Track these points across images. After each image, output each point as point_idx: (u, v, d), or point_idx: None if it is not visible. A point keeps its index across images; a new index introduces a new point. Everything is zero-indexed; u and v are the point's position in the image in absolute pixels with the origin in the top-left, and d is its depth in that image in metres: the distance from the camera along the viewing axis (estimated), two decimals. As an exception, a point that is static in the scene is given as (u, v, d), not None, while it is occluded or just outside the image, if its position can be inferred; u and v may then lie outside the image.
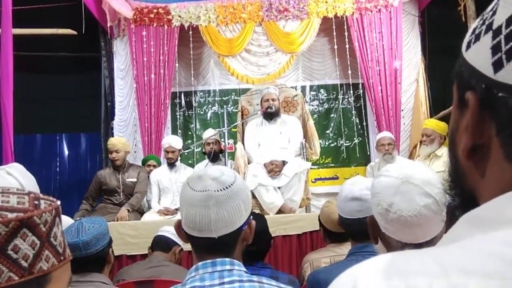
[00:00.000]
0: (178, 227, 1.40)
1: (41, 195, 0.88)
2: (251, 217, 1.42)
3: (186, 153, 7.25)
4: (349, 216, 1.98)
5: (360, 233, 1.93)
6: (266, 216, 3.09)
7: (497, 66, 0.47)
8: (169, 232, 3.18)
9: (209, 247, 1.33)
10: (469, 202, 0.52)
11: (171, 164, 5.58)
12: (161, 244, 3.17)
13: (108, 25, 7.02)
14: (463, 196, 0.55)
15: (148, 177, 5.61)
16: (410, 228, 1.33)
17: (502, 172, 0.49)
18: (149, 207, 5.48)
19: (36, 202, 0.84)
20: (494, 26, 0.48)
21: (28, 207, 0.82)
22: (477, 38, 0.50)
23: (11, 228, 0.79)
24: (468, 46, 0.52)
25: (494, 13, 0.49)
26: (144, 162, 6.08)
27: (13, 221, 0.79)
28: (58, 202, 0.90)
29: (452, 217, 0.58)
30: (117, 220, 4.87)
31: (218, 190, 1.31)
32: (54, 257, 0.84)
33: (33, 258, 0.81)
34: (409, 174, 1.36)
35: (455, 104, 0.55)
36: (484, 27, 0.50)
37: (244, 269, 1.34)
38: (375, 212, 1.43)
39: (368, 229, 1.50)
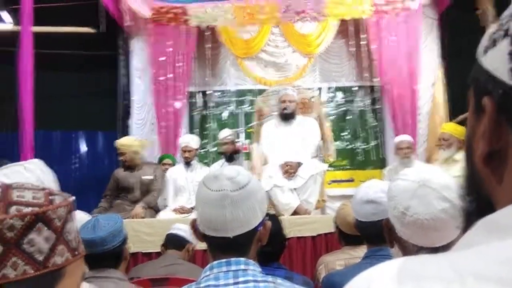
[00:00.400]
0: (194, 226, 1.41)
1: (55, 191, 0.89)
2: (267, 217, 1.42)
3: (202, 152, 7.27)
4: (364, 219, 1.98)
5: (375, 236, 1.93)
6: (281, 217, 3.09)
7: None
8: (182, 229, 3.20)
9: (224, 247, 1.33)
10: (486, 208, 0.52)
11: (188, 163, 5.60)
12: (174, 242, 3.18)
13: (126, 24, 7.06)
14: (479, 202, 0.55)
15: (163, 174, 5.64)
16: (426, 232, 1.33)
17: None
18: (165, 205, 5.51)
19: (51, 197, 0.85)
20: (511, 32, 0.48)
21: (43, 202, 0.84)
22: (494, 43, 0.50)
23: (26, 222, 0.81)
24: (485, 52, 0.51)
25: (511, 19, 0.49)
26: (159, 161, 6.12)
27: (29, 215, 0.81)
28: (72, 198, 0.91)
29: (468, 223, 0.58)
30: (132, 218, 4.90)
31: (233, 190, 1.32)
32: (69, 251, 0.85)
33: (48, 252, 0.82)
34: (427, 178, 1.35)
35: (472, 109, 0.54)
36: (501, 33, 0.49)
37: (259, 269, 1.34)
38: (391, 216, 1.43)
39: (384, 232, 1.50)
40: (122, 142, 5.60)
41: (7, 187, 0.85)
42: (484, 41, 0.52)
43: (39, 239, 0.81)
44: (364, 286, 0.43)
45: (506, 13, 0.51)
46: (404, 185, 1.39)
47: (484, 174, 0.52)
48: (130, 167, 5.44)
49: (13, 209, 0.81)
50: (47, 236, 0.82)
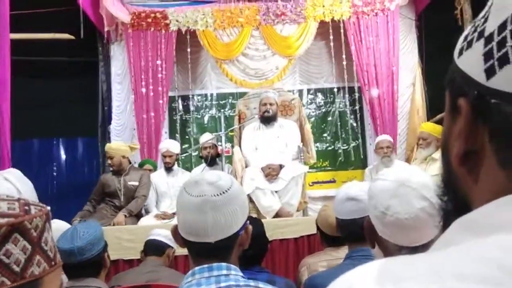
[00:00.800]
0: (175, 232, 1.40)
1: (31, 201, 0.88)
2: (248, 222, 1.42)
3: (183, 157, 7.25)
4: (345, 217, 2.00)
5: (355, 235, 1.94)
6: (263, 220, 3.09)
7: (490, 72, 0.47)
8: (161, 235, 3.16)
9: (205, 252, 1.33)
10: (463, 207, 0.52)
11: (169, 169, 5.58)
12: (153, 248, 3.14)
13: (106, 29, 7.02)
14: (456, 201, 0.55)
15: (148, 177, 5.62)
16: (406, 231, 1.34)
17: (495, 178, 0.49)
18: (146, 212, 5.47)
19: (26, 207, 0.85)
20: (486, 33, 0.49)
21: (19, 212, 0.83)
22: (469, 45, 0.51)
23: (2, 233, 0.80)
24: (460, 53, 0.52)
25: (486, 20, 0.50)
26: (140, 166, 6.08)
27: (4, 226, 0.80)
28: (48, 208, 0.90)
29: (445, 222, 0.58)
30: (114, 225, 4.87)
31: (215, 195, 1.31)
32: (45, 262, 0.85)
33: (25, 262, 0.81)
34: (406, 178, 1.37)
35: (448, 110, 0.55)
36: (476, 34, 0.50)
37: (241, 273, 1.34)
38: (371, 216, 1.44)
39: (365, 233, 1.51)
40: (110, 145, 5.60)
41: None
42: (460, 42, 0.53)
43: (16, 250, 0.80)
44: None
45: (480, 14, 0.52)
46: (384, 185, 1.40)
47: (460, 173, 0.53)
48: (118, 171, 5.40)
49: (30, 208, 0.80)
50: (24, 246, 0.81)
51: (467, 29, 0.53)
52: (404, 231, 1.34)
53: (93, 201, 5.42)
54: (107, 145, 5.71)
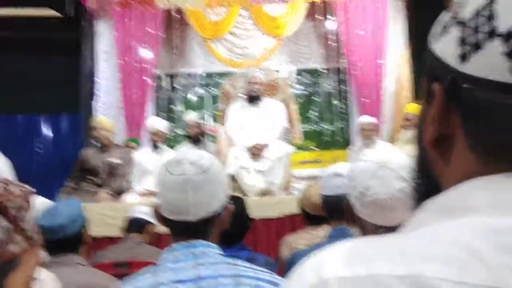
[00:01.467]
0: (156, 210, 1.41)
1: (12, 181, 0.88)
2: (230, 201, 1.43)
3: (169, 136, 7.23)
4: (329, 193, 2.04)
5: (339, 212, 1.96)
6: (247, 199, 3.11)
7: (464, 58, 0.48)
8: (141, 212, 3.18)
9: (186, 231, 1.34)
10: (434, 189, 0.53)
11: (156, 146, 5.56)
12: (135, 225, 3.15)
13: (92, 6, 6.92)
14: (428, 184, 0.56)
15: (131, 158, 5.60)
16: (385, 211, 1.36)
17: (466, 161, 0.50)
18: (129, 188, 5.45)
19: (7, 187, 0.85)
20: (462, 19, 0.50)
21: (1, 192, 0.83)
22: (445, 30, 0.51)
23: None
24: (436, 38, 0.53)
25: (462, 6, 0.50)
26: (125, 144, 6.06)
27: None
28: (30, 189, 0.90)
29: (418, 204, 0.60)
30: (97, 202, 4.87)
31: (196, 174, 1.32)
32: (25, 240, 0.85)
33: (4, 241, 0.81)
34: (387, 159, 1.39)
35: (424, 95, 0.56)
36: (452, 20, 0.51)
37: (219, 251, 1.36)
38: (351, 196, 1.46)
39: (345, 212, 1.53)
40: (98, 120, 5.60)
41: None
42: (436, 28, 0.54)
43: (28, 217, 0.81)
44: (315, 268, 0.45)
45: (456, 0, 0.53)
46: (364, 165, 1.42)
47: (432, 157, 0.54)
48: (101, 147, 5.38)
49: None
50: (3, 225, 0.82)
51: (443, 15, 0.54)
52: (382, 211, 1.36)
53: (74, 178, 5.39)
54: (95, 119, 5.68)
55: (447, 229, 0.44)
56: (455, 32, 0.50)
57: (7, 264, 0.81)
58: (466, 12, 0.49)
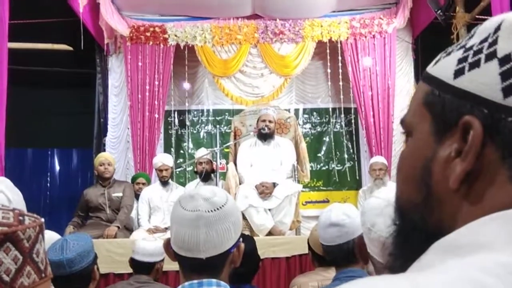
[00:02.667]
0: (167, 245, 1.39)
1: (25, 212, 0.88)
2: (241, 239, 1.41)
3: (177, 172, 7.24)
4: (329, 243, 1.99)
5: (341, 259, 1.95)
6: (255, 238, 3.08)
7: (508, 91, 0.49)
8: (145, 254, 3.02)
9: (196, 268, 1.32)
10: (428, 232, 0.53)
11: (165, 182, 5.55)
12: (140, 269, 3.02)
13: (105, 42, 7.04)
14: (424, 228, 0.55)
15: (138, 195, 5.60)
16: (388, 250, 1.35)
17: (506, 195, 0.50)
18: (139, 225, 5.44)
19: (20, 217, 0.85)
20: (500, 55, 0.50)
21: (13, 222, 0.83)
22: (475, 65, 0.52)
23: None
24: (459, 74, 0.53)
25: (494, 43, 0.51)
26: (133, 179, 6.06)
27: None
28: (42, 220, 0.90)
29: (396, 246, 0.59)
30: (105, 237, 4.84)
31: (209, 211, 1.31)
32: (35, 273, 0.84)
33: (15, 273, 0.81)
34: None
35: (428, 131, 0.55)
36: (482, 56, 0.52)
37: (231, 291, 1.34)
38: (363, 231, 1.45)
39: (355, 248, 1.51)
40: (105, 156, 5.63)
41: None
42: (452, 64, 0.54)
43: (7, 260, 0.80)
44: None
45: (475, 39, 0.54)
46: (374, 202, 1.42)
47: (448, 196, 0.53)
48: (105, 181, 5.40)
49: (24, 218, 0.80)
50: (15, 256, 0.81)
51: (457, 53, 0.55)
52: (386, 250, 1.35)
53: (79, 217, 5.39)
54: (104, 153, 5.76)
55: (456, 268, 0.44)
56: (493, 67, 0.50)
57: None
58: (504, 49, 0.51)
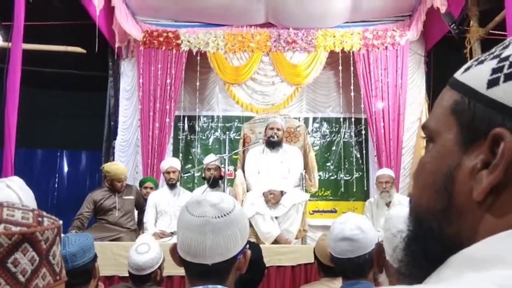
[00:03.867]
0: (173, 250, 1.39)
1: (44, 213, 0.88)
2: (247, 246, 1.40)
3: (185, 177, 7.25)
4: (340, 256, 1.97)
5: (351, 272, 1.93)
6: (261, 246, 3.07)
7: None
8: (135, 268, 2.87)
9: (202, 274, 1.32)
10: (450, 245, 0.52)
11: (172, 185, 5.54)
12: (136, 281, 2.91)
13: (117, 45, 7.08)
14: (441, 237, 0.54)
15: (145, 199, 5.61)
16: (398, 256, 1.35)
17: None
18: (145, 229, 5.44)
19: (39, 219, 0.85)
20: None
21: (32, 222, 0.83)
22: (511, 77, 0.51)
23: (13, 241, 0.80)
24: (493, 84, 0.52)
25: None
26: (141, 183, 6.07)
27: (16, 235, 0.80)
28: (60, 222, 0.90)
29: (408, 257, 0.58)
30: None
31: (216, 217, 1.30)
32: (51, 275, 0.84)
33: (31, 274, 0.81)
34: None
35: (453, 140, 0.55)
36: None
37: (236, 298, 1.33)
38: (384, 237, 1.44)
39: (374, 256, 1.51)
40: (122, 170, 5.47)
41: None
42: (484, 73, 0.53)
43: (24, 260, 0.80)
44: None
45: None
46: (401, 210, 1.42)
47: (471, 208, 0.52)
48: (118, 191, 5.40)
49: (1, 227, 0.80)
50: (32, 257, 0.81)
51: (491, 62, 0.53)
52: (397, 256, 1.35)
53: (82, 218, 5.30)
54: (119, 168, 5.53)
55: (472, 282, 0.43)
56: None
57: None
58: None
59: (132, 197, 5.43)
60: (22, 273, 0.80)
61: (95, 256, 2.25)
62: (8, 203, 0.87)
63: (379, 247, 1.47)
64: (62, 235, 2.17)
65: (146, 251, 2.88)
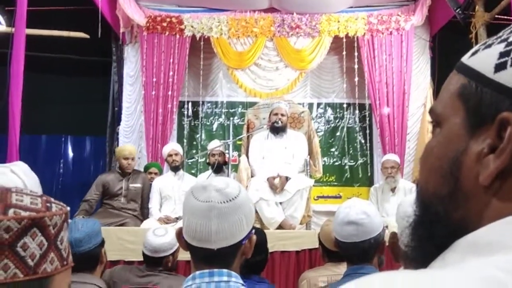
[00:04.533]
0: (179, 234, 1.39)
1: (52, 199, 0.89)
2: (253, 231, 1.40)
3: (189, 163, 7.27)
4: (345, 240, 1.98)
5: (356, 256, 1.94)
6: (266, 231, 3.08)
7: None
8: (151, 249, 2.91)
9: (207, 258, 1.32)
10: (456, 229, 0.52)
11: (176, 168, 5.56)
12: (150, 263, 2.95)
13: (121, 31, 7.06)
14: (447, 221, 0.54)
15: (150, 184, 5.63)
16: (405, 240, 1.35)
17: None
18: (150, 214, 5.46)
19: (48, 204, 0.85)
20: None
21: (41, 208, 0.83)
22: None
23: (23, 225, 0.80)
24: (500, 68, 0.51)
25: None
26: (146, 169, 6.09)
27: (26, 219, 0.80)
28: (68, 208, 0.91)
29: (416, 240, 0.58)
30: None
31: (221, 202, 1.30)
32: (58, 260, 0.85)
33: (39, 258, 0.81)
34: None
35: (460, 124, 0.54)
36: None
37: (241, 281, 1.34)
38: (397, 223, 1.45)
39: (388, 245, 1.51)
40: (130, 150, 5.61)
41: (7, 190, 0.85)
42: (492, 58, 0.53)
43: (33, 245, 0.81)
44: None
45: None
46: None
47: (478, 192, 0.52)
48: (127, 174, 5.45)
49: (11, 212, 0.80)
50: (41, 242, 0.82)
51: (499, 46, 0.53)
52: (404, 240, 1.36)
53: (91, 201, 5.37)
54: (128, 147, 5.73)
55: (479, 266, 0.43)
56: None
57: (39, 282, 0.81)
58: None
59: (139, 185, 5.46)
60: (31, 257, 0.80)
61: (102, 242, 2.26)
62: (17, 188, 0.87)
63: (393, 235, 1.47)
64: (69, 220, 2.17)
65: (163, 234, 2.93)
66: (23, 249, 0.80)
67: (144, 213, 5.50)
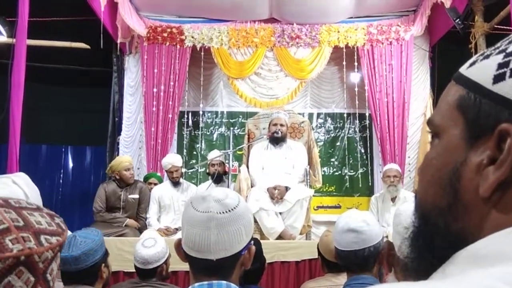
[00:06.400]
0: (178, 245, 1.39)
1: (48, 230, 0.83)
2: (252, 242, 1.40)
3: (189, 173, 7.26)
4: (345, 248, 1.99)
5: (356, 265, 1.94)
6: (266, 241, 3.07)
7: None
8: (142, 262, 2.88)
9: (206, 269, 1.32)
10: (455, 241, 0.52)
11: (176, 183, 5.56)
12: (142, 275, 2.91)
13: (120, 41, 7.07)
14: (447, 233, 0.54)
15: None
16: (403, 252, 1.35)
17: None
18: (148, 224, 5.45)
19: (39, 238, 0.81)
20: None
21: (31, 246, 0.79)
22: None
23: (6, 265, 0.76)
24: (499, 79, 0.51)
25: None
26: (145, 179, 6.08)
27: (10, 258, 0.76)
28: (65, 236, 0.87)
29: (414, 251, 0.58)
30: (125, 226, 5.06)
31: (220, 212, 1.30)
32: None
33: None
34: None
35: (459, 135, 0.54)
36: None
37: (241, 293, 1.33)
38: (394, 232, 1.45)
39: (382, 254, 1.51)
40: (129, 159, 5.66)
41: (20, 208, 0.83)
42: (490, 69, 0.52)
43: (18, 283, 0.75)
44: None
45: None
46: (411, 206, 1.42)
47: (476, 203, 0.52)
48: (124, 184, 5.44)
49: (43, 240, 0.79)
50: (28, 279, 0.76)
51: (497, 57, 0.53)
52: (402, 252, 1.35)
53: (103, 209, 5.41)
54: (127, 158, 5.75)
55: (476, 278, 0.43)
56: None
57: None
58: None
59: (137, 195, 5.46)
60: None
61: (104, 256, 2.21)
62: (31, 205, 0.85)
63: (389, 244, 1.48)
64: (69, 232, 2.16)
65: (153, 245, 2.89)
66: (50, 274, 0.79)
67: (138, 222, 5.49)
